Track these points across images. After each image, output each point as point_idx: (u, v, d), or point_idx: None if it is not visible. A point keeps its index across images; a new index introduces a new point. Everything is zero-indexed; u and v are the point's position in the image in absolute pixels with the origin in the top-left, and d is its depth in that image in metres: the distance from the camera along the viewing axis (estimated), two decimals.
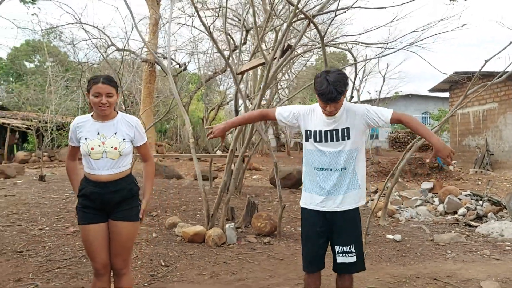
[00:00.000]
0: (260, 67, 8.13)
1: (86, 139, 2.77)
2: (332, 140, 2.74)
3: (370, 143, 24.36)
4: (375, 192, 8.38)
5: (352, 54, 6.18)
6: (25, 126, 19.04)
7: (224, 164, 7.69)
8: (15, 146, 20.15)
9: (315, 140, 2.77)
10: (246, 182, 11.80)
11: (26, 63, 32.03)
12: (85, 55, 19.26)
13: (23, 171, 12.70)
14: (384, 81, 24.71)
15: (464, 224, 6.31)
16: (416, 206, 7.21)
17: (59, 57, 23.20)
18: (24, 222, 6.32)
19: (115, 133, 2.78)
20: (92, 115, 2.85)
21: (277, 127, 24.79)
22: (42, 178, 10.55)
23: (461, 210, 6.73)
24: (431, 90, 19.46)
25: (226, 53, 11.25)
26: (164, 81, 21.19)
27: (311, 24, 5.13)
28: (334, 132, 2.74)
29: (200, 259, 4.72)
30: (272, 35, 12.56)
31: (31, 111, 21.64)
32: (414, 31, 7.70)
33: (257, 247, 5.20)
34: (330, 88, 2.57)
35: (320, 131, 2.77)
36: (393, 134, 24.69)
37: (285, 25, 5.24)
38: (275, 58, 5.10)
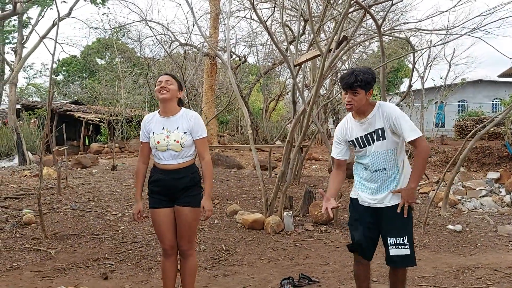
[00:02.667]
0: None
1: (153, 133, 3.06)
2: (370, 144, 2.83)
3: (435, 132, 23.44)
4: (437, 182, 8.17)
5: (410, 43, 6.07)
6: (98, 119, 20.33)
7: (282, 155, 7.90)
8: (88, 138, 21.59)
9: (359, 147, 2.89)
10: (305, 171, 11.91)
11: (97, 60, 33.99)
12: (151, 51, 20.21)
13: (97, 161, 13.67)
14: (450, 67, 23.66)
15: None
16: (480, 197, 6.97)
17: (127, 53, 24.43)
18: (99, 208, 6.91)
19: (177, 128, 3.03)
20: (158, 112, 3.13)
21: (337, 117, 24.51)
22: (114, 168, 11.33)
23: None
24: (501, 76, 18.38)
25: (285, 44, 11.36)
26: (225, 73, 21.69)
27: (368, 14, 5.14)
28: (369, 135, 2.83)
29: (259, 245, 4.96)
30: (331, 24, 12.48)
31: (103, 105, 23.04)
32: (479, 15, 7.41)
33: (314, 235, 5.35)
34: (351, 75, 2.70)
35: (357, 138, 2.88)
36: (460, 122, 23.53)
37: (340, 16, 5.28)
38: (331, 49, 5.17)
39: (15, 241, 5.23)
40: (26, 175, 10.62)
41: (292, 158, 5.91)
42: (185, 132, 3.03)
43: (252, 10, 12.69)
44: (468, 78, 27.23)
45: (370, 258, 2.97)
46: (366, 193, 2.90)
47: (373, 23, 5.80)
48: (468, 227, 5.62)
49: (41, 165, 5.62)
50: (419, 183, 8.71)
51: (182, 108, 3.15)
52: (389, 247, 2.80)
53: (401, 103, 25.30)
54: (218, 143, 19.58)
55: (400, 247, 2.78)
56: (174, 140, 3.00)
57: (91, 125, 21.96)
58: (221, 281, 3.93)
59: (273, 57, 18.11)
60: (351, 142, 2.92)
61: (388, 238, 2.81)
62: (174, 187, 3.02)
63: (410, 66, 26.68)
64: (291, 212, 5.84)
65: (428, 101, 24.81)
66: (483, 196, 7.03)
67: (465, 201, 6.88)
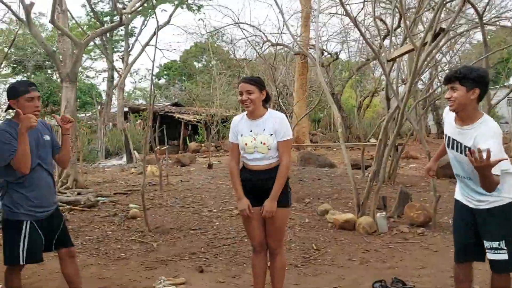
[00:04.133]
0: None
1: (241, 135, 3.16)
2: (457, 151, 2.68)
3: None
4: None
5: None
6: (196, 120, 21.41)
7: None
8: (187, 138, 22.83)
9: (447, 145, 2.76)
10: (401, 171, 11.41)
11: (195, 63, 35.79)
12: (243, 52, 20.74)
13: (195, 160, 14.42)
14: None
15: None
16: None
17: (222, 56, 25.38)
18: (196, 204, 7.29)
19: (264, 130, 3.09)
20: (246, 114, 3.22)
21: (437, 112, 23.07)
22: (210, 166, 11.87)
23: None
24: None
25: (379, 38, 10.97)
26: (317, 71, 21.57)
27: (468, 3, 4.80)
28: (457, 144, 2.69)
29: (350, 246, 4.88)
30: (430, 15, 11.79)
31: (200, 106, 24.21)
32: None
33: (409, 237, 5.13)
34: (454, 69, 2.60)
35: (449, 137, 2.74)
36: None
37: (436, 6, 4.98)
38: (426, 43, 4.90)
39: (123, 233, 5.74)
40: (132, 173, 11.56)
41: (385, 156, 5.71)
42: (271, 134, 3.08)
43: (348, 7, 12.48)
44: None
45: (472, 259, 2.82)
46: (462, 193, 2.79)
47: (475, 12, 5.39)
48: None
49: (144, 164, 6.09)
50: None
51: (269, 109, 3.20)
52: (486, 251, 2.69)
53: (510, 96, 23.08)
54: (310, 141, 19.53)
55: (496, 251, 2.64)
56: (261, 142, 3.07)
57: (189, 126, 23.20)
58: (311, 280, 3.94)
59: (366, 53, 17.60)
60: (444, 135, 2.82)
61: (485, 241, 2.69)
62: (261, 188, 3.10)
63: None
64: (384, 213, 5.65)
65: None
66: None
67: None
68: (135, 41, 16.73)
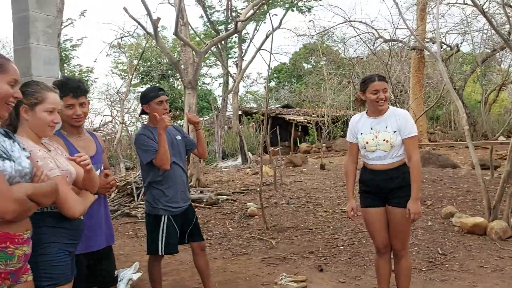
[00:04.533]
0: None
1: (361, 134, 3.12)
2: None
3: None
4: None
5: None
6: (306, 120, 21.50)
7: (507, 152, 6.88)
8: (298, 139, 23.02)
9: None
10: None
11: (304, 64, 35.94)
12: (354, 51, 20.31)
13: (307, 161, 14.51)
14: None
15: None
16: None
17: (332, 55, 25.14)
18: (311, 204, 7.35)
19: (386, 127, 3.02)
20: (366, 112, 3.18)
21: None
22: (322, 166, 11.85)
23: None
24: None
25: (507, 26, 9.96)
26: (434, 66, 20.25)
27: None
28: None
29: (481, 252, 4.51)
30: None
31: (310, 107, 24.25)
32: None
33: None
34: None
35: None
36: None
37: None
38: None
39: (243, 230, 6.02)
40: (247, 173, 12.03)
41: None
42: (394, 131, 3.01)
43: None
44: None
45: None
46: None
47: None
48: None
49: (261, 164, 6.31)
50: None
51: (390, 106, 3.13)
52: None
53: None
54: (428, 140, 18.39)
55: None
56: (383, 140, 3.01)
57: (300, 127, 23.37)
58: (439, 285, 3.74)
59: (492, 43, 16.05)
60: None
61: None
62: (384, 187, 3.03)
63: None
64: None
65: None
66: None
67: None
68: (248, 46, 17.44)
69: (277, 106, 28.03)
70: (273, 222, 6.31)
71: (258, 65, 72.12)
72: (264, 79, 38.99)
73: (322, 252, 4.82)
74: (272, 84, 39.36)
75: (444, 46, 16.51)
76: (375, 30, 11.92)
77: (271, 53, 5.55)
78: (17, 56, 3.30)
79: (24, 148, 1.83)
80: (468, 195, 7.10)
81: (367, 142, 3.07)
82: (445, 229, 5.40)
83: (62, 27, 11.40)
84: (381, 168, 3.04)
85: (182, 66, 9.97)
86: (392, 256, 3.18)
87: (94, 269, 2.58)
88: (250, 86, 37.48)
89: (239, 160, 15.36)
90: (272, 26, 5.65)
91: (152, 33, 9.16)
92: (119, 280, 3.56)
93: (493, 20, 11.28)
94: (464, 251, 4.57)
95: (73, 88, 2.50)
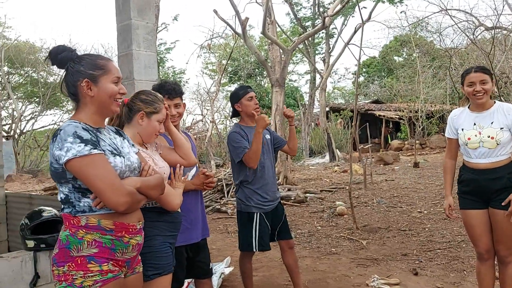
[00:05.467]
0: None
1: (462, 129, 2.92)
2: None
3: None
4: None
5: None
6: (398, 116, 20.63)
7: None
8: (389, 135, 22.18)
9: None
10: None
11: (395, 57, 34.47)
12: (451, 41, 19.02)
13: (398, 158, 13.93)
14: None
15: None
16: None
17: (426, 47, 23.81)
18: (404, 204, 7.04)
19: (492, 123, 2.80)
20: (468, 107, 2.97)
21: None
22: (416, 164, 11.30)
23: None
24: None
25: None
26: None
27: None
28: None
29: None
30: None
31: (402, 102, 23.21)
32: None
33: None
34: None
35: None
36: None
37: None
38: None
39: (332, 229, 5.94)
40: (336, 171, 11.86)
41: None
42: (501, 128, 2.77)
43: None
44: None
45: None
46: None
47: None
48: None
49: (351, 162, 6.18)
50: None
51: (496, 101, 2.89)
52: None
53: None
54: None
55: None
56: (488, 137, 2.79)
57: (390, 123, 22.49)
58: None
59: None
60: None
61: None
62: (487, 188, 2.80)
63: None
64: None
65: None
66: None
67: None
68: (336, 41, 17.11)
69: (366, 101, 27.27)
70: (363, 222, 6.16)
71: (345, 60, 70.69)
72: (353, 74, 38.14)
73: (416, 255, 4.60)
74: (361, 79, 38.32)
75: None
76: (475, 18, 11.08)
77: (360, 48, 5.40)
78: (121, 61, 3.58)
79: (133, 145, 1.98)
80: None
81: (468, 139, 2.87)
82: None
83: (158, 32, 12.13)
84: (485, 167, 2.82)
85: (269, 64, 10.10)
86: (496, 262, 2.94)
87: (193, 260, 2.71)
88: (338, 81, 36.87)
89: (327, 157, 15.18)
90: (362, 19, 5.46)
91: (241, 32, 9.39)
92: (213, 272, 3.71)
93: None
94: None
95: (169, 90, 2.66)
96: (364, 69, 37.28)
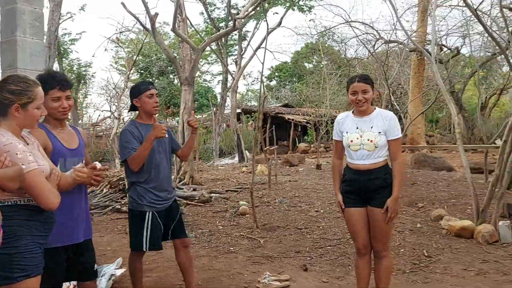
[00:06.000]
0: None
1: (347, 132, 3.14)
2: None
3: None
4: None
5: None
6: (305, 120, 21.49)
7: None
8: (297, 138, 23.03)
9: None
10: None
11: (305, 64, 35.89)
12: (355, 51, 20.27)
13: (304, 160, 14.50)
14: None
15: None
16: None
17: (333, 55, 25.11)
18: (303, 204, 7.34)
19: (371, 127, 3.04)
20: (352, 112, 3.19)
21: None
22: (318, 166, 11.85)
23: None
24: None
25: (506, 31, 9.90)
26: (438, 68, 20.22)
27: None
28: None
29: (467, 255, 4.52)
30: None
31: (310, 107, 24.24)
32: None
33: None
34: None
35: None
36: None
37: None
38: None
39: (233, 228, 6.02)
40: (243, 171, 12.03)
41: (510, 160, 5.17)
42: (379, 132, 3.02)
43: None
44: None
45: None
46: None
47: None
48: None
49: (253, 163, 6.32)
50: None
51: (376, 108, 3.14)
52: None
53: None
54: (426, 143, 18.38)
55: None
56: (368, 140, 3.02)
57: (299, 126, 23.36)
58: (420, 287, 3.74)
59: (493, 47, 15.99)
60: None
61: None
62: (366, 188, 3.04)
63: None
64: (508, 221, 5.12)
65: None
66: None
67: None
68: (248, 44, 17.42)
69: (277, 105, 28.02)
70: (263, 221, 6.31)
71: (259, 64, 72.02)
72: (266, 77, 39.01)
73: (309, 252, 4.82)
74: (273, 83, 39.33)
75: (445, 49, 16.46)
76: (376, 31, 11.92)
77: (265, 50, 5.56)
78: (3, 48, 3.31)
79: None
80: (460, 199, 7.09)
81: (351, 141, 3.08)
82: (433, 231, 5.41)
83: (61, 21, 11.40)
84: (364, 168, 3.05)
85: (179, 62, 9.98)
86: (373, 256, 3.19)
87: (75, 261, 2.58)
88: (252, 84, 37.44)
89: (236, 158, 15.36)
90: (267, 24, 5.66)
91: (150, 28, 9.17)
92: (100, 275, 3.57)
93: (493, 24, 11.24)
94: (450, 254, 4.57)
95: (61, 81, 2.52)
96: (276, 74, 38.33)
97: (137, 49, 17.46)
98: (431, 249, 4.72)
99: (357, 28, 13.32)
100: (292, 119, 21.93)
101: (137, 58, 18.39)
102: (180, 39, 9.86)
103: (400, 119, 22.90)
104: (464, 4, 11.23)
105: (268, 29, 5.64)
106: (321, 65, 28.00)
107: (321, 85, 20.66)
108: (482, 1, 6.00)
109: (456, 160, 14.61)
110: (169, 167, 3.38)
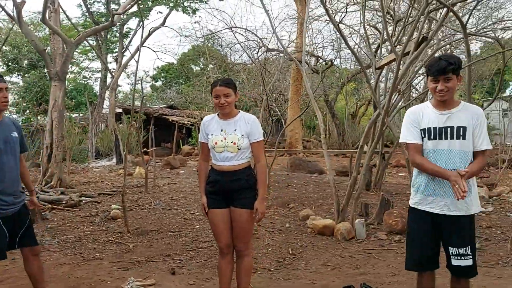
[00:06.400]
0: None
1: (212, 134, 3.17)
2: (445, 138, 2.65)
3: None
4: None
5: (500, 43, 5.54)
6: (190, 122, 21.37)
7: (372, 159, 7.59)
8: (181, 141, 22.79)
9: (429, 138, 2.72)
10: (390, 179, 11.42)
11: (193, 66, 35.76)
12: (239, 57, 20.71)
13: (186, 163, 14.41)
14: None
15: None
16: None
17: (219, 59, 25.40)
18: (180, 207, 7.26)
19: (235, 130, 3.11)
20: (218, 115, 3.24)
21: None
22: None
23: None
24: None
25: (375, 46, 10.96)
26: (315, 78, 21.60)
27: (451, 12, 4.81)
28: (448, 129, 2.65)
29: (326, 251, 4.87)
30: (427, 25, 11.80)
31: (196, 109, 24.18)
32: None
33: (386, 244, 5.11)
34: (440, 60, 2.58)
35: (435, 128, 2.70)
36: None
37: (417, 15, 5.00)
38: (407, 53, 4.92)
39: (101, 233, 5.71)
40: (120, 174, 11.51)
41: (365, 164, 5.72)
42: (242, 135, 3.10)
43: (341, 14, 12.51)
44: None
45: (435, 267, 2.82)
46: (427, 195, 2.72)
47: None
48: None
49: (125, 164, 6.08)
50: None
51: (240, 111, 3.22)
52: (451, 258, 2.68)
53: (505, 108, 23.14)
54: (303, 147, 19.51)
55: (462, 257, 2.65)
56: (231, 142, 3.09)
57: (184, 129, 23.15)
58: (282, 284, 3.93)
59: (363, 61, 17.62)
60: (422, 131, 2.75)
61: (450, 248, 2.69)
62: (229, 188, 3.10)
63: None
64: (363, 219, 5.64)
65: None
66: None
67: None
68: (129, 42, 16.78)
69: (161, 106, 27.46)
70: (136, 225, 6.09)
71: (145, 63, 69.90)
72: (151, 77, 37.98)
73: (179, 255, 4.77)
74: (159, 83, 38.49)
75: (320, 60, 17.67)
76: (259, 38, 12.30)
77: (140, 47, 5.38)
78: None
79: None
80: (327, 199, 7.63)
81: (216, 143, 3.12)
82: (300, 230, 5.73)
83: None
84: (227, 170, 3.11)
85: (50, 56, 9.22)
86: (235, 255, 3.26)
87: None
88: (137, 84, 36.17)
89: (114, 160, 14.65)
90: (143, 21, 5.48)
91: (16, 17, 8.33)
92: None
93: (362, 40, 12.37)
94: (312, 251, 4.88)
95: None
96: (162, 74, 37.59)
97: (2, 39, 15.75)
98: (296, 247, 4.99)
99: (241, 34, 13.69)
100: (176, 121, 21.66)
101: (4, 48, 16.57)
102: (51, 31, 9.12)
103: (280, 124, 24.04)
104: (339, 20, 12.17)
105: (143, 26, 5.48)
106: (208, 69, 28.15)
107: (207, 88, 20.73)
108: (343, 16, 6.47)
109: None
110: (17, 169, 3.07)
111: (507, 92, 27.57)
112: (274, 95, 21.97)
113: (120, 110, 20.52)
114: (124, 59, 16.35)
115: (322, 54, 18.43)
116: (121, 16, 10.54)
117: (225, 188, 3.12)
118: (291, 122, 12.88)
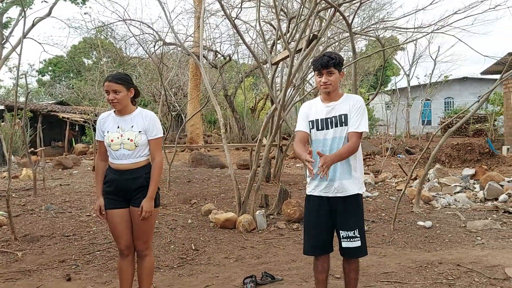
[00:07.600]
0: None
1: (108, 132, 3.04)
2: (331, 127, 2.87)
3: (421, 129, 23.60)
4: (415, 179, 8.23)
5: (380, 41, 6.10)
6: (83, 119, 20.17)
7: (271, 152, 7.86)
8: (74, 139, 21.43)
9: (317, 129, 2.91)
10: (289, 170, 11.93)
11: (84, 59, 33.73)
12: (135, 50, 20.05)
13: (80, 162, 13.59)
14: (435, 65, 23.95)
15: (503, 211, 6.10)
16: (455, 193, 7.03)
17: (113, 53, 24.27)
18: (74, 209, 6.85)
19: (132, 126, 3.02)
20: (114, 111, 3.11)
21: None
22: (94, 168, 11.24)
23: (502, 197, 6.48)
24: (483, 73, 18.36)
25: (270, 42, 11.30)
26: (214, 72, 21.67)
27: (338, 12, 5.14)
28: (333, 119, 2.88)
29: (229, 244, 4.96)
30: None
31: (89, 105, 22.86)
32: (455, 13, 7.51)
33: (285, 233, 5.36)
34: (323, 56, 2.84)
35: (322, 119, 2.91)
36: (446, 120, 23.77)
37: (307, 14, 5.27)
38: (300, 49, 5.17)
39: None
40: (4, 177, 10.50)
41: (264, 156, 5.91)
42: (139, 131, 3.02)
43: (237, 9, 12.67)
44: (451, 75, 27.53)
45: (329, 250, 3.01)
46: (319, 180, 2.90)
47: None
48: (438, 223, 5.66)
49: (9, 166, 5.57)
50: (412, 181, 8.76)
51: (138, 107, 3.13)
52: (342, 240, 2.89)
53: (388, 101, 25.44)
54: (204, 142, 19.52)
55: (351, 239, 2.87)
56: (128, 139, 2.99)
57: (76, 126, 21.78)
58: (185, 280, 3.92)
59: (260, 56, 18.08)
60: (310, 122, 2.95)
61: (341, 231, 2.90)
62: (127, 187, 3.01)
63: (399, 64, 26.90)
64: (263, 210, 5.84)
65: (412, 98, 25.02)
66: (458, 192, 7.09)
67: (439, 197, 6.92)
68: (10, 33, 15.26)
69: (50, 102, 25.54)
70: (25, 231, 5.62)
71: (30, 56, 64.29)
72: (37, 71, 35.09)
73: (75, 260, 4.51)
74: (47, 78, 35.73)
75: (219, 55, 17.77)
76: (155, 31, 11.97)
77: (22, 39, 4.94)
78: None
79: None
80: (228, 193, 7.75)
81: (112, 140, 3.00)
82: (202, 225, 5.75)
83: None
84: (125, 168, 3.01)
85: None
86: (136, 256, 3.17)
87: None
88: (20, 78, 33.10)
89: None
90: (24, 11, 5.02)
91: None
92: None
93: (260, 36, 12.67)
94: (214, 244, 4.94)
95: None
96: (50, 68, 34.97)
97: None
98: (199, 242, 5.01)
99: (136, 27, 13.21)
100: (68, 118, 20.29)
101: None
102: None
103: (181, 119, 23.75)
104: (236, 16, 12.33)
105: (25, 16, 5.03)
106: (101, 62, 26.73)
107: (101, 83, 19.69)
108: (238, 13, 6.59)
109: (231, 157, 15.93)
110: None
111: (389, 87, 30.34)
112: (173, 89, 21.65)
113: (2, 107, 18.66)
114: (5, 52, 14.83)
115: (220, 49, 18.61)
116: (0, 4, 9.55)
117: (123, 187, 3.01)
118: (191, 117, 12.82)
